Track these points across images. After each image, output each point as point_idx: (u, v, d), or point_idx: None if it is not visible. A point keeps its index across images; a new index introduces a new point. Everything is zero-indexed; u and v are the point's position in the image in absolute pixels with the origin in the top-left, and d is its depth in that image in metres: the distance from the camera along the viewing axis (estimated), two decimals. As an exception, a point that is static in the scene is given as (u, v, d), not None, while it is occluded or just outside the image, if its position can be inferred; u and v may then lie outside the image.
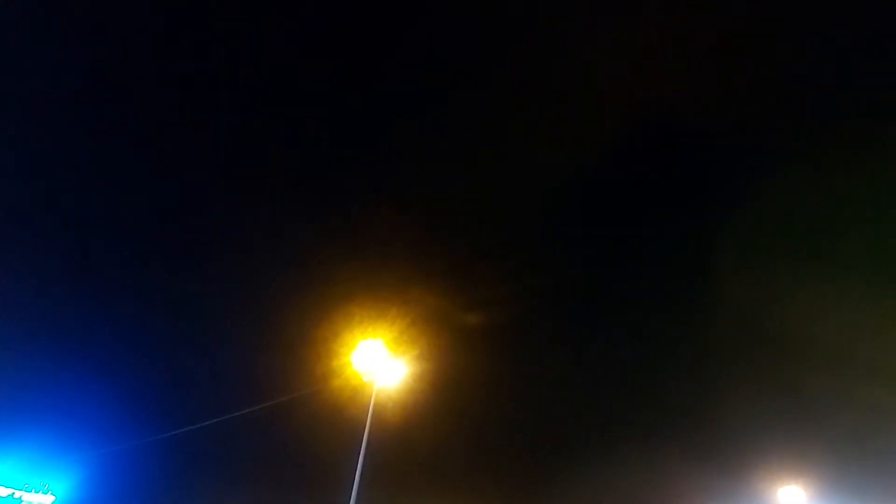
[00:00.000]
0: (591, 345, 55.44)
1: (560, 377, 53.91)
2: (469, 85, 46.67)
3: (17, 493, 38.28)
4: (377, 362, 23.04)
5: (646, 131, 46.55)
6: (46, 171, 43.90)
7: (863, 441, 42.49)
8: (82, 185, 47.13)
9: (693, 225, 50.73)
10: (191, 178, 51.11)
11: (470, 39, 44.00)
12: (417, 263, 51.41)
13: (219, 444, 43.37)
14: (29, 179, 42.99)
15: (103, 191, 47.90)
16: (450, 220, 53.04)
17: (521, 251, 55.41)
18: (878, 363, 41.45)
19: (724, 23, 39.75)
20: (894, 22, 37.22)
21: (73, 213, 47.13)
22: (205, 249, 52.68)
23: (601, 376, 54.90)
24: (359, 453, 20.65)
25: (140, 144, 47.63)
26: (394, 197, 51.27)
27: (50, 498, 39.60)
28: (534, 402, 53.46)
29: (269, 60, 46.25)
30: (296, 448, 44.82)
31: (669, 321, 51.61)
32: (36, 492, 39.07)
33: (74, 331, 49.16)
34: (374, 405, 21.86)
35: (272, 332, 47.25)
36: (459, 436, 48.64)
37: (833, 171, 42.45)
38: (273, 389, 41.26)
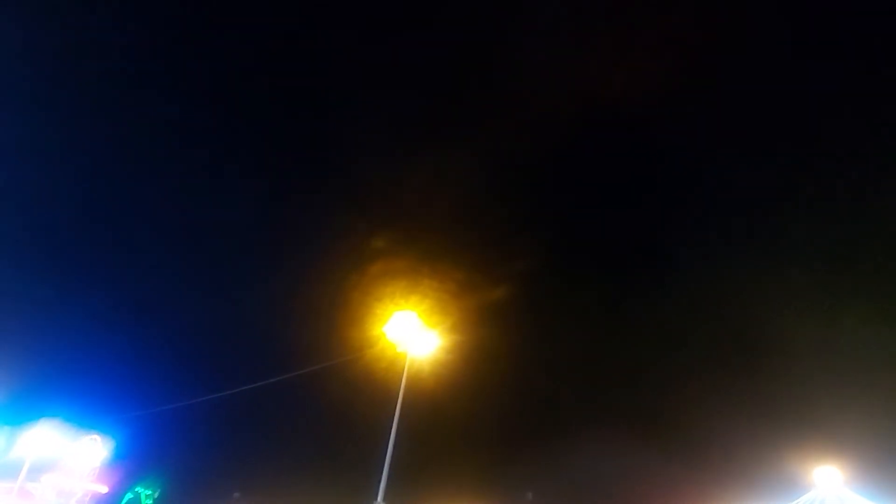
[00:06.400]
0: (621, 322, 55.17)
1: (592, 351, 53.87)
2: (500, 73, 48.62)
3: (82, 441, 41.02)
4: (411, 333, 23.46)
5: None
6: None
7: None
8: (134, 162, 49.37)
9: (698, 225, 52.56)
10: (238, 154, 52.73)
11: (495, 44, 46.79)
12: (451, 237, 51.63)
13: (264, 407, 45.62)
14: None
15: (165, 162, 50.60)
16: (484, 194, 52.88)
17: (552, 227, 55.21)
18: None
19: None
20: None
21: (138, 193, 50.11)
22: (248, 226, 54.30)
23: (637, 351, 54.58)
24: (392, 419, 21.28)
25: (196, 125, 50.02)
26: (429, 169, 51.38)
27: (104, 452, 42.37)
28: (562, 376, 53.60)
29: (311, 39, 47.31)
30: (335, 411, 46.55)
31: (715, 308, 52.08)
32: (92, 444, 41.86)
33: (133, 307, 52.68)
34: (408, 375, 22.36)
35: (315, 304, 48.89)
36: (488, 405, 49.44)
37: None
38: (314, 356, 42.91)
